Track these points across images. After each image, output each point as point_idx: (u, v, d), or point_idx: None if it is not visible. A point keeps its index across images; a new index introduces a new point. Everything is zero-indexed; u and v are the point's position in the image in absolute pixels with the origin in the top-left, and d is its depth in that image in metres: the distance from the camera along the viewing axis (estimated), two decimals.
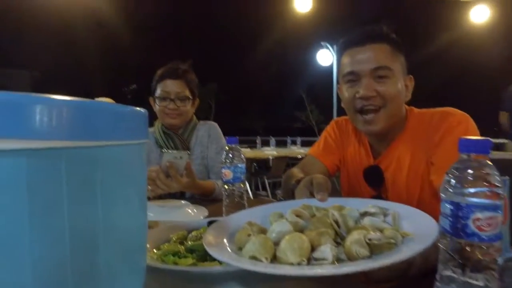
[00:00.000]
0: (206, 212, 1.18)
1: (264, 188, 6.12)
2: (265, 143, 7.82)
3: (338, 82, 1.21)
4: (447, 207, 0.48)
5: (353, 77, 1.09)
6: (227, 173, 1.06)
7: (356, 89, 1.08)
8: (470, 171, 0.47)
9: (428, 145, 1.06)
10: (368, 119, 1.07)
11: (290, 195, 0.94)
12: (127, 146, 0.40)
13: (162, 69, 1.70)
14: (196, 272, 0.57)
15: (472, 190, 0.46)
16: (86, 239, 0.35)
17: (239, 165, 1.07)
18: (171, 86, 1.64)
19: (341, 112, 1.75)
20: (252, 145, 7.61)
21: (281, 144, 8.40)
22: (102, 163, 0.36)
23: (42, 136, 0.32)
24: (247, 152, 6.14)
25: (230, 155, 1.07)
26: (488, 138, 0.49)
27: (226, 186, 1.06)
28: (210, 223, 0.76)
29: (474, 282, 0.46)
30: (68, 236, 0.33)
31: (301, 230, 0.58)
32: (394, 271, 0.57)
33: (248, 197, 1.18)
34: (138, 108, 0.46)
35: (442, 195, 0.50)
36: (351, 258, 0.52)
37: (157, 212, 1.13)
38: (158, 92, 1.66)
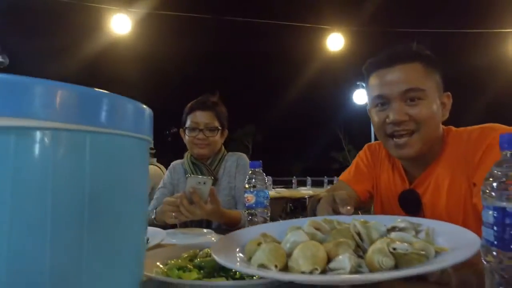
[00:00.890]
0: None
1: None
2: (302, 184, 7.67)
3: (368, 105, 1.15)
4: (489, 215, 0.40)
5: (382, 101, 1.02)
6: (250, 198, 1.02)
7: (386, 113, 1.00)
8: None
9: (468, 165, 0.95)
10: (400, 143, 0.99)
11: (312, 215, 0.87)
12: (121, 136, 0.38)
13: (193, 101, 1.75)
14: (196, 285, 0.52)
15: None
16: (70, 226, 0.32)
17: (262, 190, 1.02)
18: (201, 117, 1.67)
19: None
20: (288, 185, 7.50)
21: (318, 184, 8.18)
22: (91, 148, 0.34)
23: (32, 116, 0.31)
24: (282, 191, 6.02)
25: (253, 180, 1.03)
26: None
27: (248, 212, 1.01)
28: None
29: None
30: (50, 220, 0.31)
31: (319, 243, 0.51)
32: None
33: None
34: (143, 105, 0.45)
35: (483, 201, 0.42)
36: (373, 269, 0.44)
37: (179, 238, 1.09)
38: (188, 123, 1.69)
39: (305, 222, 0.62)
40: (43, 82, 0.32)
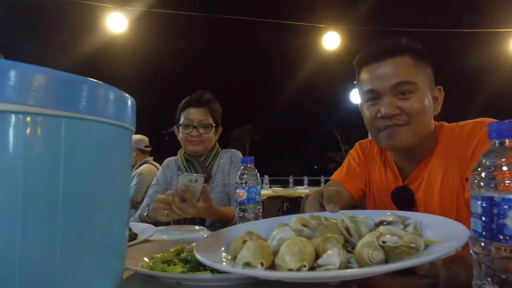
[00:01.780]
0: None
1: None
2: (299, 183, 7.67)
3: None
4: (478, 205, 0.40)
5: (373, 95, 1.02)
6: (241, 194, 1.01)
7: (378, 108, 0.99)
8: (504, 159, 0.39)
9: (461, 161, 0.95)
10: (392, 132, 0.98)
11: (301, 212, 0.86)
12: (101, 123, 0.37)
13: (186, 98, 1.73)
14: (173, 278, 0.51)
15: (508, 181, 0.38)
16: (42, 213, 0.31)
17: (254, 185, 1.01)
18: (194, 114, 1.66)
19: None
20: (285, 185, 7.48)
21: (314, 183, 8.19)
22: (67, 134, 0.33)
23: (3, 99, 0.30)
24: (279, 190, 6.02)
25: (245, 176, 1.02)
26: None
27: (239, 207, 1.00)
28: None
29: None
30: (21, 208, 0.30)
31: (306, 239, 0.50)
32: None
33: None
34: (125, 94, 0.44)
35: (472, 191, 0.41)
36: (362, 264, 0.43)
37: (170, 234, 1.08)
38: (181, 120, 1.68)
39: (292, 219, 0.61)
40: (16, 65, 0.31)
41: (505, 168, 0.38)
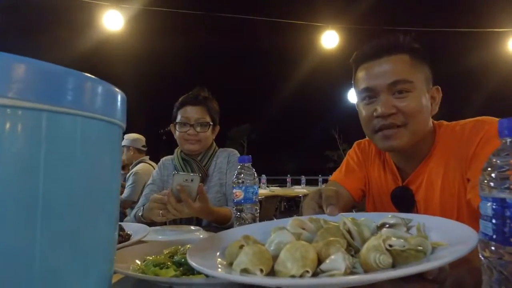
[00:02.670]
0: None
1: None
2: (297, 182, 7.64)
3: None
4: (488, 207, 0.37)
5: (369, 94, 0.99)
6: (238, 194, 0.98)
7: (374, 107, 0.97)
8: None
9: (462, 160, 0.92)
10: (388, 134, 0.96)
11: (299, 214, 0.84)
12: (87, 118, 0.35)
13: (184, 96, 1.70)
14: (165, 282, 0.49)
15: None
16: (19, 214, 0.28)
17: (251, 185, 0.99)
18: (191, 112, 1.63)
19: None
20: (283, 184, 7.46)
21: (312, 183, 8.16)
22: (49, 128, 0.31)
23: None
24: (277, 190, 6.00)
25: (242, 175, 1.00)
26: None
27: (236, 207, 0.98)
28: None
29: None
30: None
31: (307, 243, 0.48)
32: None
33: None
34: (115, 88, 0.41)
35: (481, 192, 0.39)
36: (368, 269, 0.40)
37: (165, 235, 1.05)
38: (178, 118, 1.65)
39: (289, 222, 0.58)
40: None
41: None
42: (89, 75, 0.37)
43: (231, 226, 1.40)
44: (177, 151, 1.71)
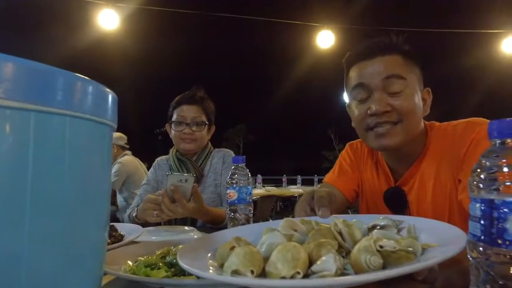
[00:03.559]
0: None
1: None
2: (292, 182, 7.65)
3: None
4: (477, 208, 0.38)
5: (363, 92, 0.98)
6: (232, 194, 0.98)
7: (368, 105, 0.96)
8: (505, 160, 0.37)
9: (453, 161, 0.93)
10: (381, 132, 0.95)
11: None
12: (77, 118, 0.34)
13: (180, 95, 1.70)
14: (156, 283, 0.48)
15: (509, 183, 0.36)
16: (6, 215, 0.28)
17: (245, 185, 0.98)
18: (187, 111, 1.62)
19: None
20: (278, 184, 7.46)
21: (308, 183, 8.18)
22: (37, 129, 0.30)
23: None
24: (272, 190, 5.99)
25: (236, 175, 0.99)
26: None
27: (230, 208, 0.97)
28: None
29: None
30: None
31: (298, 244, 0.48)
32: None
33: None
34: (106, 88, 0.41)
35: (470, 193, 0.39)
36: (359, 270, 0.41)
37: (159, 235, 1.05)
38: (174, 117, 1.64)
39: (281, 223, 0.58)
40: None
41: (506, 169, 0.37)
42: (79, 75, 0.36)
43: (225, 227, 1.40)
44: (172, 151, 1.71)
